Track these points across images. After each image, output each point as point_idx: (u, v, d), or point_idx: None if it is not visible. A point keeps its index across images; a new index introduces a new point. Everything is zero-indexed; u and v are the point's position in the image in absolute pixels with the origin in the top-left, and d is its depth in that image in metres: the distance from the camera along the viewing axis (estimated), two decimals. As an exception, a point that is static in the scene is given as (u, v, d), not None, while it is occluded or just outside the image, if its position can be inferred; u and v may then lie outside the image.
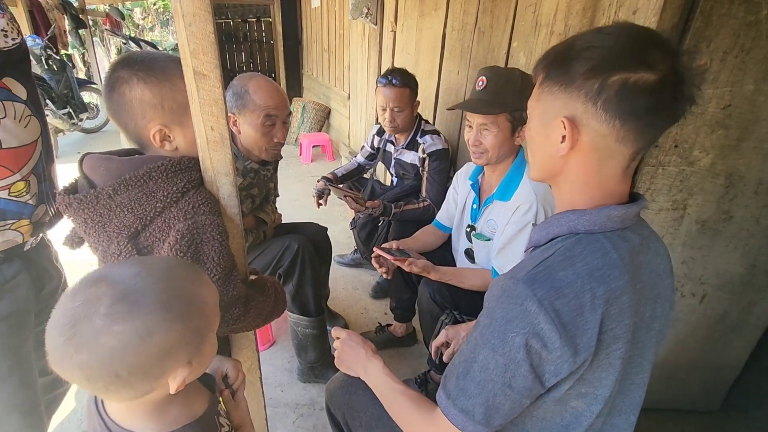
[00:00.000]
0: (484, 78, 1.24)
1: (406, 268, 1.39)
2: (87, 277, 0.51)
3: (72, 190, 0.75)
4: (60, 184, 0.91)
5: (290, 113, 1.43)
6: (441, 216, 1.60)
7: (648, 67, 0.53)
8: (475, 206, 1.40)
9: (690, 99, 0.55)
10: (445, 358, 1.13)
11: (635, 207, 0.62)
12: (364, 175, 2.36)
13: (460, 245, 1.52)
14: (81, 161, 0.75)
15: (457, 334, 1.13)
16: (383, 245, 1.45)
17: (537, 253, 0.63)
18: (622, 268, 0.57)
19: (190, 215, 0.72)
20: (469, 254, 1.45)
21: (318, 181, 2.07)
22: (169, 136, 0.77)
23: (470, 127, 1.28)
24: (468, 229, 1.43)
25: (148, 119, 0.75)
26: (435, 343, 1.16)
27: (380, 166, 2.47)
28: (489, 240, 1.33)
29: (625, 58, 0.54)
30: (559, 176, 0.65)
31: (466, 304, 1.36)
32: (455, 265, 1.55)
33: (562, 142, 0.60)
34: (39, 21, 5.28)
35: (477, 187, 1.40)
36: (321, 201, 2.02)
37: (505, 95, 1.20)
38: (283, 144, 1.43)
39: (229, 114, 1.34)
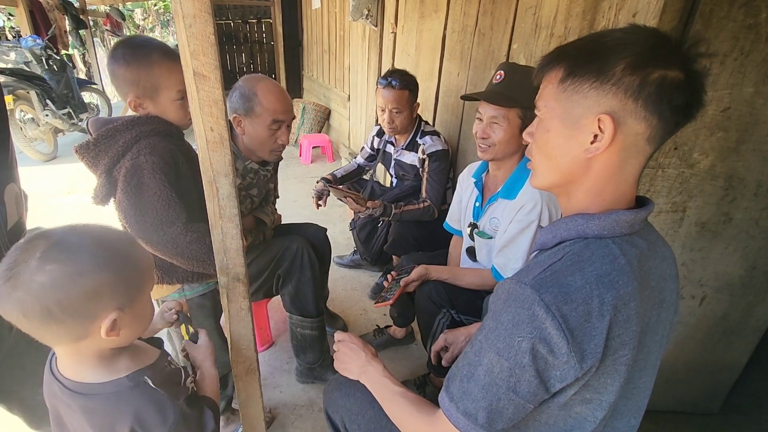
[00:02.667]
0: (502, 72, 1.24)
1: (409, 290, 1.40)
2: (27, 236, 0.59)
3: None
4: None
5: (294, 117, 1.44)
6: (450, 219, 1.60)
7: (679, 66, 0.54)
8: (477, 204, 1.40)
9: (702, 101, 0.57)
10: (444, 363, 1.13)
11: (643, 212, 0.61)
12: (364, 177, 2.36)
13: (462, 243, 1.52)
14: (87, 123, 1.09)
15: (456, 338, 1.12)
16: (383, 293, 1.44)
17: (544, 257, 0.62)
18: (631, 274, 0.57)
19: (135, 156, 1.01)
20: (471, 252, 1.45)
21: (317, 182, 2.06)
22: (142, 105, 1.07)
23: (480, 119, 1.27)
24: (470, 228, 1.43)
25: (126, 91, 1.05)
26: (434, 348, 1.16)
27: (380, 168, 2.47)
28: (491, 238, 1.33)
29: (661, 56, 0.54)
30: (575, 181, 0.63)
31: (463, 303, 1.36)
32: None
33: (592, 142, 0.58)
34: (39, 21, 5.30)
35: (480, 185, 1.40)
36: (320, 202, 2.02)
37: (520, 91, 1.20)
38: (285, 146, 1.43)
39: (234, 115, 1.34)
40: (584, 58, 0.57)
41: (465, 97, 1.36)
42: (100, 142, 1.02)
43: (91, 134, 1.06)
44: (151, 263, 0.67)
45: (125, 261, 0.61)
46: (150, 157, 1.01)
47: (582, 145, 0.59)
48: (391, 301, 1.34)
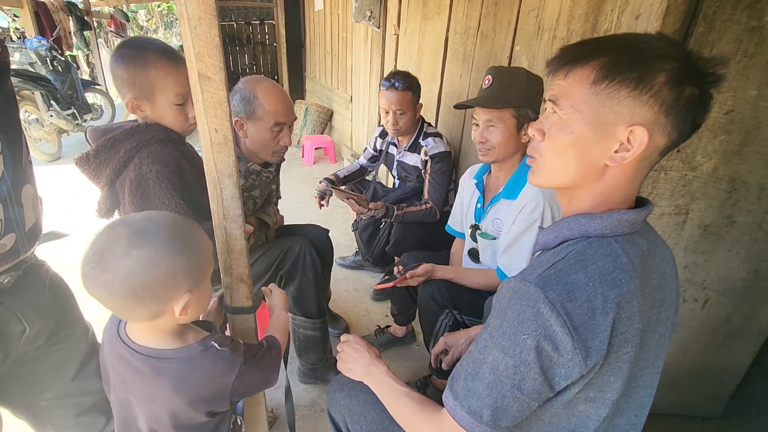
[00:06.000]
0: (490, 76, 1.26)
1: (412, 283, 1.40)
2: (108, 224, 0.66)
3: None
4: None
5: (296, 118, 1.44)
6: (452, 222, 1.60)
7: (701, 85, 0.54)
8: (479, 205, 1.41)
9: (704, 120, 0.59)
10: (444, 366, 1.13)
11: (644, 212, 0.62)
12: (366, 177, 2.36)
13: (464, 245, 1.52)
14: (85, 133, 1.07)
15: (456, 341, 1.12)
16: (387, 278, 1.45)
17: (548, 256, 0.63)
18: (632, 273, 0.58)
19: (138, 167, 0.99)
20: (473, 254, 1.45)
21: (320, 183, 2.07)
22: (140, 107, 1.04)
23: (477, 125, 1.29)
24: (471, 229, 1.43)
25: (124, 91, 1.04)
26: (434, 351, 1.16)
27: (382, 168, 2.48)
28: (495, 239, 1.33)
29: (694, 73, 0.54)
30: (585, 185, 0.62)
31: (466, 303, 1.36)
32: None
33: (617, 151, 0.57)
34: (44, 22, 5.33)
35: (481, 187, 1.41)
36: (323, 202, 2.03)
37: (510, 92, 1.22)
38: (288, 147, 1.44)
39: (235, 118, 1.35)
40: (624, 61, 0.54)
41: (458, 106, 1.37)
42: (101, 154, 1.00)
43: (90, 144, 1.03)
44: (211, 249, 0.75)
45: (195, 247, 0.69)
46: (153, 166, 0.99)
47: (605, 152, 0.58)
48: (391, 284, 1.34)
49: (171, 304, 0.67)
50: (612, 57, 0.55)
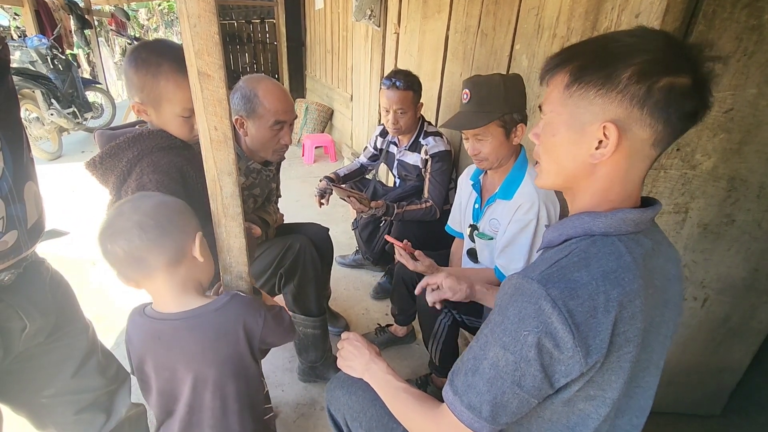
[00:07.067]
0: (467, 91, 1.26)
1: (411, 266, 1.37)
2: (108, 210, 0.78)
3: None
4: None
5: (296, 116, 1.44)
6: (452, 222, 1.60)
7: (687, 72, 0.54)
8: (476, 206, 1.41)
9: (708, 105, 0.58)
10: (429, 299, 1.10)
11: (650, 211, 0.62)
12: (367, 176, 2.36)
13: (463, 246, 1.53)
14: (94, 137, 1.09)
15: (437, 280, 1.10)
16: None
17: (551, 254, 0.63)
18: (636, 272, 0.58)
19: (139, 177, 1.00)
20: (472, 254, 1.45)
21: (320, 181, 2.07)
22: (145, 111, 1.05)
23: (467, 139, 1.30)
24: (470, 229, 1.43)
25: (132, 93, 1.05)
26: (427, 281, 1.13)
27: (382, 167, 2.48)
28: (492, 239, 1.34)
29: (670, 62, 0.54)
30: (581, 183, 0.64)
31: (465, 304, 1.36)
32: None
33: (597, 148, 0.59)
34: (45, 21, 5.33)
35: (478, 187, 1.41)
36: (323, 200, 2.03)
37: (490, 104, 1.22)
38: (288, 146, 1.44)
39: (236, 117, 1.34)
40: (592, 64, 0.57)
41: (444, 126, 1.36)
42: (105, 161, 1.01)
43: (99, 147, 1.05)
44: (196, 221, 0.85)
45: (185, 204, 0.82)
46: (153, 176, 0.99)
47: (588, 150, 0.60)
48: (397, 243, 1.31)
49: (189, 241, 0.78)
50: (582, 61, 0.58)
